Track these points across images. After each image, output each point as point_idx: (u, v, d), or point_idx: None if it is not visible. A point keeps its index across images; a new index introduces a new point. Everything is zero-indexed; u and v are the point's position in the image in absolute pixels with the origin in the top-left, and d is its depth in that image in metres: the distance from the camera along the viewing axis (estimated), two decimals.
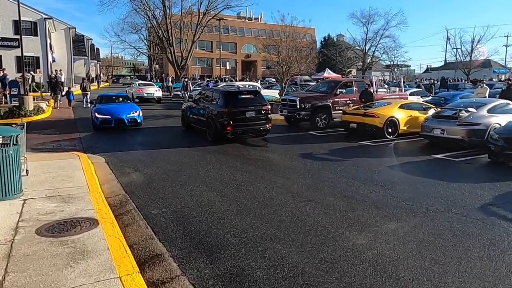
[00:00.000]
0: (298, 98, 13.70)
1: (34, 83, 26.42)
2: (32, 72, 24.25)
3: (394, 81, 32.42)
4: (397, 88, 17.05)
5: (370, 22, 48.96)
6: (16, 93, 18.57)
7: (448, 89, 25.63)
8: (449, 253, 4.09)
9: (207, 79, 34.99)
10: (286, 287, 3.50)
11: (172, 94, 31.20)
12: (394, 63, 49.84)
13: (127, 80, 63.40)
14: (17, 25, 23.27)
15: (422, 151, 9.92)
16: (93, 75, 45.09)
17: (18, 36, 20.47)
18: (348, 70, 52.13)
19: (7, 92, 18.58)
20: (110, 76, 67.80)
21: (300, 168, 8.09)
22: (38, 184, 6.61)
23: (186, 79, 29.40)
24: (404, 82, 20.17)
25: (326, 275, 3.68)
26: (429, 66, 69.51)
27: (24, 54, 19.58)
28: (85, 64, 43.31)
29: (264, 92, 20.50)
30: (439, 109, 11.54)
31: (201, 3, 38.72)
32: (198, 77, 44.24)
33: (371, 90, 13.99)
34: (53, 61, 34.47)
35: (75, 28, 38.67)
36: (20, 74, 20.83)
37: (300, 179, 7.19)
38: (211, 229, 4.91)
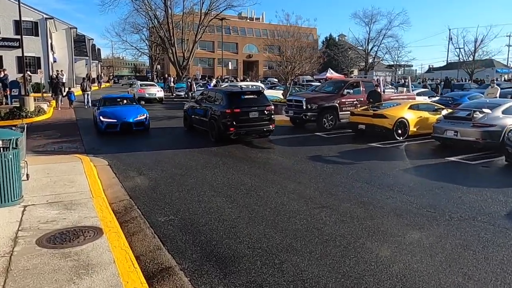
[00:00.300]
0: (305, 99, 13.41)
1: (30, 84, 26.11)
2: (29, 73, 23.75)
3: (399, 81, 32.10)
4: (405, 88, 16.75)
5: (372, 22, 48.74)
6: (17, 93, 18.30)
7: (451, 89, 25.31)
8: (482, 267, 3.79)
9: (215, 79, 34.64)
10: None
11: (174, 94, 30.92)
12: (398, 63, 49.48)
13: (125, 80, 63.25)
14: (18, 25, 23.03)
15: (435, 154, 9.61)
16: (94, 75, 44.85)
17: (19, 36, 20.23)
18: (350, 70, 51.86)
19: (7, 92, 18.30)
20: (111, 77, 67.57)
21: (310, 171, 7.79)
22: (39, 189, 6.33)
23: (190, 80, 29.08)
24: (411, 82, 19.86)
25: None
26: (431, 66, 69.19)
27: (25, 54, 19.34)
28: (86, 64, 43.10)
29: (268, 93, 20.18)
30: (451, 110, 11.23)
31: (202, 3, 38.55)
32: (200, 77, 43.96)
33: (379, 90, 13.68)
34: (54, 61, 34.24)
35: (76, 28, 38.46)
36: (21, 75, 20.58)
37: (312, 183, 6.89)
38: (223, 238, 4.62)
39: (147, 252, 4.37)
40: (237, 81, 36.29)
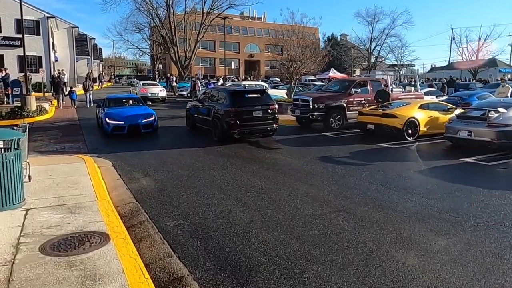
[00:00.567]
0: (311, 98, 13.13)
1: (31, 84, 25.86)
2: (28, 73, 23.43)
3: (401, 81, 31.78)
4: (412, 88, 16.47)
5: (375, 21, 48.39)
6: (18, 93, 18.07)
7: (456, 89, 24.98)
8: None
9: (221, 78, 34.35)
10: None
11: (176, 94, 30.66)
12: (401, 63, 49.14)
13: (125, 79, 63.03)
14: (19, 24, 22.79)
15: (449, 154, 9.34)
16: (95, 74, 44.62)
17: (20, 35, 19.96)
18: (351, 70, 51.56)
19: (9, 91, 18.07)
20: (113, 76, 67.36)
21: (322, 173, 7.53)
22: (42, 192, 6.08)
23: (194, 79, 28.78)
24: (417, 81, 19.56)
25: None
26: (433, 66, 68.87)
27: (27, 53, 19.09)
28: (87, 63, 42.88)
29: (271, 92, 19.96)
30: (462, 110, 10.96)
31: (205, 2, 38.31)
32: (202, 76, 43.74)
33: (388, 89, 13.41)
34: (56, 60, 34.01)
35: (77, 27, 38.23)
36: (22, 74, 20.36)
37: (325, 185, 6.63)
38: (236, 245, 4.36)
39: (157, 260, 4.12)
40: (238, 80, 36.05)
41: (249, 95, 11.25)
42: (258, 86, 21.01)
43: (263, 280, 3.59)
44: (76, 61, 38.15)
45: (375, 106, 12.18)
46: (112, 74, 72.32)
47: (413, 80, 23.34)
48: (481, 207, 5.45)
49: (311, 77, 37.10)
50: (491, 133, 8.94)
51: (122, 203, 6.08)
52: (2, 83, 18.99)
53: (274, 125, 11.12)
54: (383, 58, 52.67)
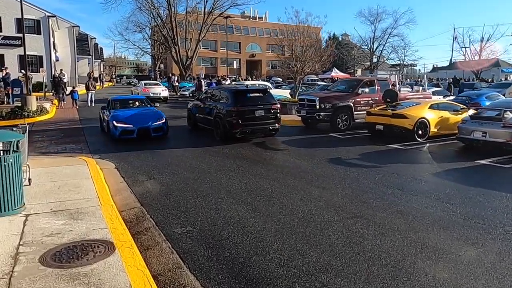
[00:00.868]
0: (318, 98, 12.84)
1: (31, 83, 25.56)
2: (23, 71, 22.99)
3: (402, 81, 31.37)
4: (420, 87, 16.17)
5: (378, 20, 48.11)
6: (19, 92, 17.80)
7: (460, 88, 24.66)
8: None
9: (228, 78, 33.99)
10: None
11: (178, 94, 30.37)
12: (404, 62, 48.82)
13: (125, 79, 62.78)
14: (19, 23, 22.50)
15: (462, 156, 9.04)
16: (96, 74, 44.35)
17: (21, 35, 19.70)
18: (353, 70, 51.27)
19: (9, 90, 17.79)
20: (114, 76, 67.08)
21: (333, 175, 7.24)
22: (42, 196, 5.80)
23: (199, 78, 28.36)
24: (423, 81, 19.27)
25: None
26: (435, 66, 68.50)
27: (27, 53, 18.84)
28: (88, 63, 42.61)
29: (275, 92, 19.68)
30: (475, 110, 10.65)
31: (206, 2, 38.01)
32: (203, 76, 43.48)
33: (396, 89, 13.11)
34: (57, 60, 33.75)
35: (78, 26, 37.98)
36: (22, 74, 20.11)
37: (338, 189, 6.34)
38: (250, 255, 4.08)
39: (166, 272, 3.83)
40: (239, 80, 35.75)
41: (251, 95, 11.20)
42: (261, 86, 20.71)
43: None
44: (77, 61, 37.89)
45: (384, 106, 11.88)
46: (113, 74, 72.02)
47: (419, 79, 23.00)
48: (507, 213, 5.16)
49: (313, 77, 36.82)
50: (507, 134, 8.64)
51: (126, 207, 5.80)
52: (2, 82, 18.73)
53: (277, 124, 11.06)
54: (385, 58, 52.40)
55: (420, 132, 10.81)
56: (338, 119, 12.78)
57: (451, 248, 4.11)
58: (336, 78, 39.67)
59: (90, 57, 43.37)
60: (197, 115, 12.89)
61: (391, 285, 3.41)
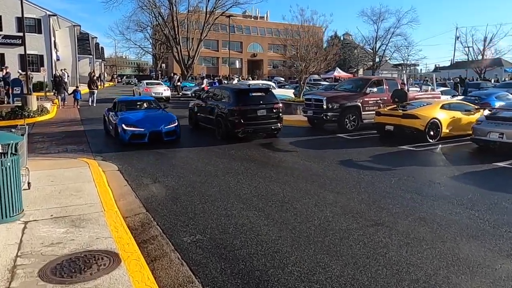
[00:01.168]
0: (325, 98, 12.51)
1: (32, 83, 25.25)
2: (20, 71, 22.55)
3: (411, 80, 31.02)
4: (429, 87, 15.84)
5: (380, 20, 47.73)
6: (19, 92, 17.49)
7: (465, 88, 24.32)
8: None
9: (236, 77, 33.70)
10: None
11: (180, 93, 30.06)
12: (408, 62, 48.43)
13: (125, 79, 62.51)
14: (20, 22, 22.21)
15: (478, 158, 8.72)
16: (97, 74, 44.10)
17: (21, 34, 19.40)
18: (355, 70, 50.92)
19: (7, 89, 17.48)
20: (115, 76, 66.79)
21: (347, 179, 6.92)
22: (42, 201, 5.49)
23: (204, 78, 28.02)
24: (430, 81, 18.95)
25: None
26: (437, 66, 68.12)
27: (28, 52, 18.55)
28: (90, 63, 42.33)
29: (278, 92, 19.39)
30: (489, 110, 10.33)
31: (208, 1, 37.73)
32: (204, 76, 43.20)
33: (405, 88, 12.79)
34: (58, 59, 33.47)
35: (80, 26, 37.69)
36: (23, 73, 19.80)
37: (354, 194, 6.02)
38: (267, 267, 3.76)
39: (175, 286, 3.52)
40: (240, 79, 35.44)
41: (253, 94, 11.15)
42: (265, 85, 20.38)
43: None
44: (78, 60, 37.61)
45: (394, 106, 11.56)
46: (114, 73, 71.73)
47: (426, 79, 22.64)
48: None
49: (316, 76, 36.48)
50: None
51: (131, 213, 5.49)
52: (2, 82, 18.44)
53: (279, 124, 11.03)
54: (388, 58, 51.99)
55: (431, 133, 10.49)
56: (346, 120, 12.46)
57: (485, 261, 3.79)
58: (338, 78, 39.40)
59: (91, 56, 43.09)
60: (199, 114, 12.80)
61: None
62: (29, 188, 5.88)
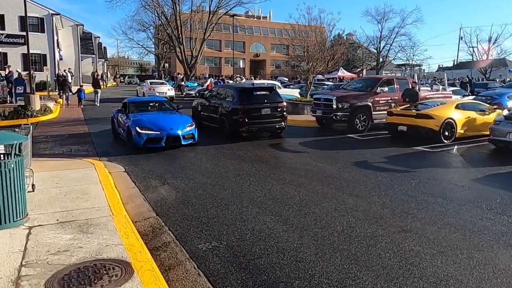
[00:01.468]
0: (335, 97, 12.20)
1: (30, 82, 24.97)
2: (18, 70, 22.26)
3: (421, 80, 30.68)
4: (440, 87, 15.51)
5: (385, 19, 47.38)
6: (22, 91, 17.25)
7: (472, 88, 24.00)
8: None
9: (244, 77, 33.43)
10: None
11: (184, 93, 29.82)
12: (413, 62, 48.04)
13: (127, 79, 62.38)
14: (23, 21, 21.99)
15: (497, 160, 8.40)
16: (99, 73, 43.93)
17: (24, 33, 19.16)
18: (359, 69, 50.56)
19: (10, 87, 17.23)
20: (118, 76, 66.64)
21: (364, 181, 6.62)
22: (47, 204, 5.22)
23: (210, 77, 27.80)
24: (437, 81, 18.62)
25: None
26: (441, 66, 67.71)
27: (31, 51, 18.30)
28: (92, 62, 42.15)
29: (284, 91, 19.11)
30: (507, 111, 10.01)
31: (211, 0, 37.43)
32: (208, 76, 42.96)
33: (416, 88, 12.47)
34: (61, 59, 33.26)
35: (82, 25, 37.46)
36: (26, 72, 19.57)
37: (374, 197, 5.72)
38: (292, 279, 3.47)
39: None
40: (241, 79, 35.15)
41: (257, 93, 11.12)
42: (270, 84, 20.11)
43: None
44: (81, 60, 37.40)
45: (407, 106, 11.24)
46: (117, 73, 71.61)
47: (435, 79, 22.30)
48: None
49: (320, 76, 36.18)
50: None
51: (140, 217, 5.21)
52: (5, 81, 18.20)
53: (283, 123, 11.03)
54: (392, 58, 51.60)
55: (446, 133, 10.17)
56: (356, 120, 12.14)
57: None
58: (342, 78, 39.06)
59: (94, 56, 42.92)
60: (202, 113, 12.68)
61: None
62: (33, 191, 5.62)
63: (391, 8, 68.60)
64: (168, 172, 7.38)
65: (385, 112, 11.67)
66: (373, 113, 12.33)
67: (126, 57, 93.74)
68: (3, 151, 4.85)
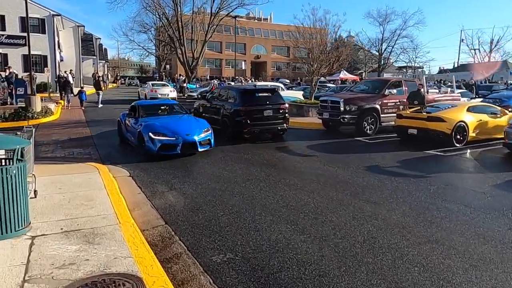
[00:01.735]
0: (342, 100, 11.96)
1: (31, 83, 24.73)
2: (11, 69, 22.00)
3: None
4: (448, 89, 15.29)
5: (386, 21, 47.22)
6: (22, 93, 17.01)
7: (476, 91, 23.80)
8: None
9: (249, 79, 33.22)
10: None
11: (186, 95, 29.58)
12: (416, 64, 47.88)
13: (127, 80, 62.19)
14: (24, 22, 21.78)
15: None
16: (99, 74, 43.72)
17: (25, 34, 18.97)
18: (360, 71, 50.38)
19: (11, 88, 16.97)
20: (118, 77, 66.43)
21: (380, 187, 6.36)
22: (50, 212, 4.95)
23: (212, 79, 27.57)
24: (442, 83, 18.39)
25: None
26: (442, 68, 67.56)
27: (31, 52, 18.06)
28: (93, 64, 41.92)
29: (287, 94, 18.88)
30: None
31: (213, 2, 37.26)
32: (208, 77, 42.77)
33: (423, 91, 12.23)
34: (61, 60, 33.02)
35: (83, 26, 37.23)
36: (27, 73, 19.33)
37: (393, 204, 5.46)
38: None
39: None
40: (242, 82, 34.96)
41: (260, 94, 11.10)
42: (273, 86, 19.88)
43: None
44: (82, 61, 37.18)
45: (418, 108, 11.00)
46: (117, 75, 71.41)
47: (441, 80, 22.08)
48: None
49: (322, 78, 35.96)
50: None
51: (148, 226, 4.95)
52: (5, 82, 17.96)
53: (285, 124, 11.03)
54: (394, 60, 51.44)
55: (458, 136, 9.92)
56: (364, 122, 11.89)
57: None
58: (345, 80, 38.84)
59: (94, 57, 42.69)
60: (204, 114, 12.49)
61: None
62: (35, 197, 5.35)
63: (393, 10, 68.59)
64: (175, 176, 7.12)
65: (394, 114, 11.44)
66: (381, 115, 12.10)
67: (127, 59, 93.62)
68: (4, 156, 4.60)
